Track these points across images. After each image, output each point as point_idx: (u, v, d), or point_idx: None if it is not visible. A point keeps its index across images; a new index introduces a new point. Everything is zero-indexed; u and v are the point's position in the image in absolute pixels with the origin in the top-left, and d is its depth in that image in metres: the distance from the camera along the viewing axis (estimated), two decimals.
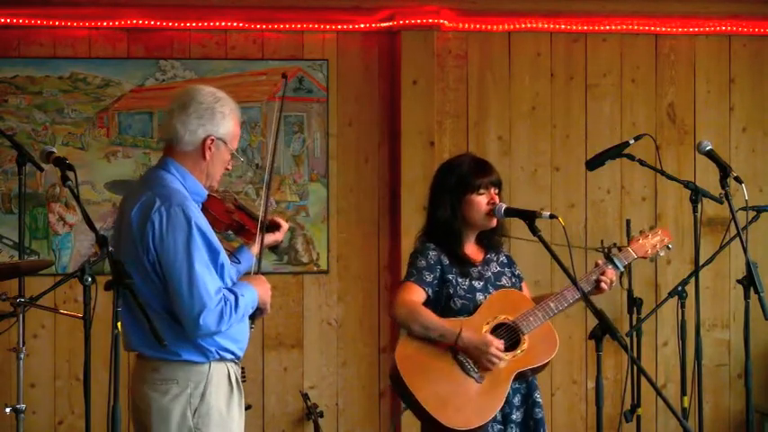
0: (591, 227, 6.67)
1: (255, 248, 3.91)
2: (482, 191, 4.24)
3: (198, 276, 3.50)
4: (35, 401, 6.18)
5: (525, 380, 4.25)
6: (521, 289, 4.38)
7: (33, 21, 6.24)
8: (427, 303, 4.22)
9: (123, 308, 3.39)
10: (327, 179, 6.50)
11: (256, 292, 3.71)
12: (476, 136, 6.59)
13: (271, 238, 3.97)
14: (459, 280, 4.23)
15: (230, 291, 3.60)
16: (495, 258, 4.36)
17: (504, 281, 4.32)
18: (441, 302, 4.22)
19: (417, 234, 4.38)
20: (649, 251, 4.39)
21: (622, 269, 4.35)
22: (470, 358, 4.13)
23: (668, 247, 4.47)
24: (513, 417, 4.22)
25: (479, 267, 4.30)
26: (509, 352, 4.15)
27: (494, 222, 4.26)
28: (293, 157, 6.47)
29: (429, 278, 4.21)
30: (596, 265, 4.29)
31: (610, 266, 4.28)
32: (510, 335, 4.17)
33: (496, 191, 4.26)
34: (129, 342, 3.61)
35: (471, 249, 4.33)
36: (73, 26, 6.30)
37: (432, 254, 4.24)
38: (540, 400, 4.29)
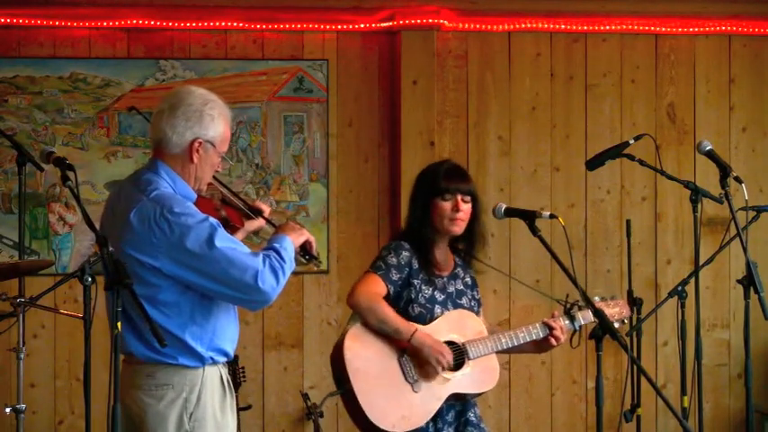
0: (591, 227, 6.67)
1: (240, 235, 3.90)
2: (448, 196, 4.20)
3: (231, 252, 3.49)
4: (35, 401, 6.18)
5: (463, 398, 4.24)
6: (478, 313, 4.37)
7: (33, 21, 6.25)
8: (386, 300, 4.22)
9: (120, 309, 3.38)
10: (327, 179, 6.50)
11: (288, 237, 3.67)
12: (476, 136, 6.59)
13: (255, 223, 3.95)
14: (423, 287, 4.22)
15: (266, 249, 3.60)
16: (461, 276, 4.35)
17: (464, 301, 4.31)
18: (399, 304, 4.21)
19: (396, 230, 4.38)
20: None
21: (577, 329, 4.34)
22: (416, 361, 4.12)
23: (623, 321, 4.50)
24: None
25: (445, 279, 4.29)
26: (451, 371, 4.16)
27: (455, 230, 4.23)
28: (293, 157, 6.47)
29: (395, 277, 4.20)
30: (552, 315, 4.30)
31: (565, 321, 4.28)
32: (456, 355, 4.17)
33: (467, 199, 4.22)
34: (124, 345, 3.57)
35: (442, 257, 4.31)
36: (73, 26, 6.30)
37: (404, 254, 4.23)
38: (474, 419, 4.27)
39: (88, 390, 3.47)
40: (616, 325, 4.42)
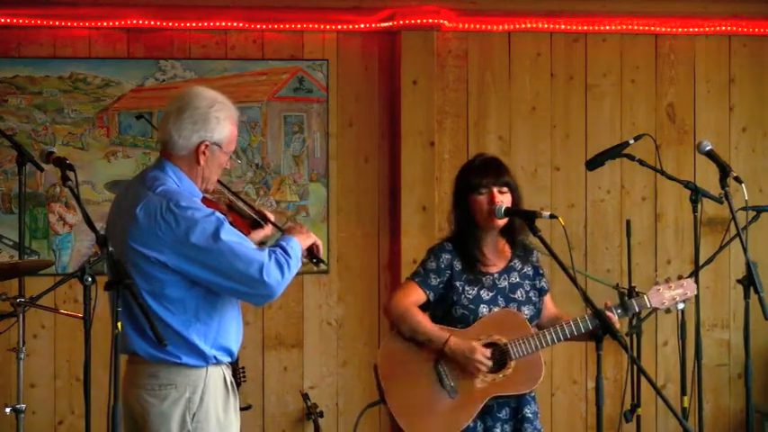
0: (591, 227, 6.67)
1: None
2: (483, 190, 4.20)
3: (237, 246, 3.51)
4: (35, 401, 6.17)
5: (515, 394, 4.22)
6: (538, 302, 4.32)
7: (33, 21, 6.25)
8: (427, 306, 4.22)
9: (122, 308, 3.38)
10: (327, 179, 6.50)
11: (295, 238, 3.69)
12: (476, 136, 6.59)
13: (261, 233, 3.96)
14: (467, 288, 4.20)
15: (272, 246, 3.62)
16: (518, 268, 4.31)
17: (518, 294, 4.27)
18: (444, 307, 4.21)
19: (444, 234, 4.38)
20: (666, 302, 4.29)
21: (630, 316, 4.28)
22: (454, 367, 4.12)
23: (685, 301, 4.36)
24: (497, 431, 4.19)
25: (495, 276, 4.25)
26: (491, 373, 4.15)
27: (495, 223, 4.22)
28: (293, 157, 6.47)
29: (434, 281, 4.20)
30: (605, 305, 4.20)
31: (618, 310, 4.19)
32: (498, 356, 4.16)
33: (503, 190, 4.22)
34: (127, 342, 3.59)
35: (493, 254, 4.28)
36: (73, 26, 6.30)
37: (445, 257, 4.23)
38: (530, 415, 4.24)
39: (88, 390, 3.47)
40: (680, 306, 4.36)
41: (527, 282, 4.30)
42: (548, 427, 6.63)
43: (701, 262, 5.05)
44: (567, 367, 6.63)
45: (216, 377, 3.64)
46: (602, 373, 3.97)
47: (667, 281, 4.33)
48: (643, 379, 4.85)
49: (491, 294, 4.22)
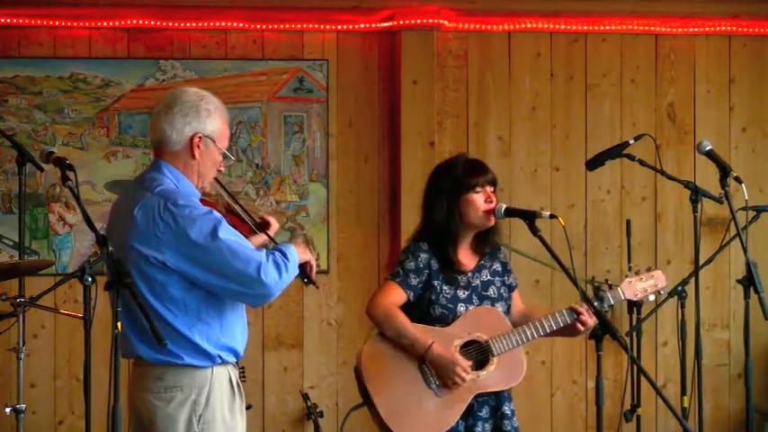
0: (591, 227, 6.67)
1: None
2: (478, 189, 4.21)
3: (235, 245, 3.50)
4: (35, 401, 6.17)
5: (495, 392, 4.23)
6: (508, 298, 4.34)
7: (33, 21, 6.25)
8: (407, 305, 4.23)
9: (123, 311, 3.38)
10: (327, 179, 6.50)
11: (293, 247, 3.68)
12: (476, 136, 6.59)
13: (258, 239, 3.95)
14: (444, 287, 4.21)
15: (271, 249, 3.61)
16: (488, 266, 4.33)
17: (491, 291, 4.29)
18: (421, 306, 4.22)
19: (412, 234, 4.37)
20: (639, 294, 4.35)
21: (607, 309, 4.31)
22: (435, 372, 4.13)
23: (659, 293, 4.43)
24: (478, 429, 4.20)
25: (468, 275, 4.27)
26: (474, 371, 4.15)
27: (492, 221, 4.23)
28: (293, 157, 6.47)
29: (414, 281, 4.21)
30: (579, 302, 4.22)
31: (594, 303, 4.18)
32: (479, 353, 4.17)
33: (492, 189, 4.24)
34: (130, 346, 3.59)
35: (465, 254, 4.29)
36: (73, 26, 6.30)
37: (422, 256, 4.23)
38: (508, 412, 4.26)
39: (88, 390, 3.47)
40: (651, 297, 4.39)
41: (497, 278, 4.33)
42: (548, 427, 6.64)
43: (700, 262, 5.05)
44: (567, 367, 6.63)
45: (222, 377, 3.64)
46: (602, 373, 3.97)
47: (637, 273, 4.39)
48: (643, 379, 4.85)
49: (467, 293, 4.24)
